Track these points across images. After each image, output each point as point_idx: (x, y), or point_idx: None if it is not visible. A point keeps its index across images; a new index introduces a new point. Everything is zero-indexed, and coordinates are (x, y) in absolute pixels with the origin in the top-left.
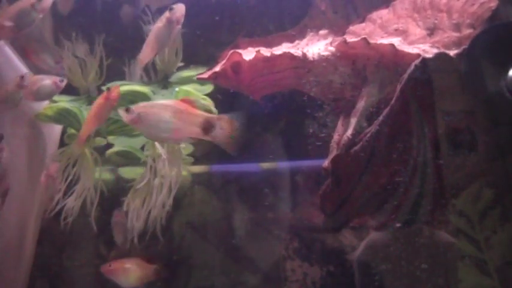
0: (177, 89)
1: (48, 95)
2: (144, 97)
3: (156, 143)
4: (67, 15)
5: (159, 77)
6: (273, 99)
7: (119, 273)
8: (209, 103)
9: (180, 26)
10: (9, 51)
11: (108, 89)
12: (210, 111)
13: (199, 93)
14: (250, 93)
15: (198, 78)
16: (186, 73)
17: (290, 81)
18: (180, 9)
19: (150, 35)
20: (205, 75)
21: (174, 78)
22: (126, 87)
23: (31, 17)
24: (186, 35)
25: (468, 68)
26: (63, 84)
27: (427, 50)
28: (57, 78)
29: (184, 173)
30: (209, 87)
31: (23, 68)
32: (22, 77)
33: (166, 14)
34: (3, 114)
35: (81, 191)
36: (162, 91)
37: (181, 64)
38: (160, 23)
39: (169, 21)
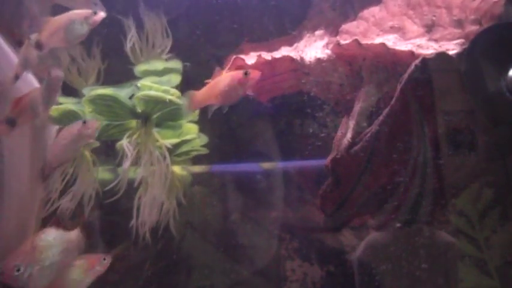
0: (139, 84)
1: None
2: (110, 98)
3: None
4: None
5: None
6: (273, 99)
7: None
8: (175, 94)
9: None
10: (3, 43)
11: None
12: (176, 103)
13: (166, 85)
14: (255, 96)
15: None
16: (142, 67)
17: (291, 82)
18: None
19: None
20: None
21: (136, 73)
22: (98, 91)
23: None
24: (186, 35)
25: (468, 68)
26: (99, 17)
27: (422, 44)
28: (88, 12)
29: (184, 172)
30: (177, 79)
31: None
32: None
33: None
34: (3, 114)
35: (78, 192)
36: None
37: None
38: None
39: None
